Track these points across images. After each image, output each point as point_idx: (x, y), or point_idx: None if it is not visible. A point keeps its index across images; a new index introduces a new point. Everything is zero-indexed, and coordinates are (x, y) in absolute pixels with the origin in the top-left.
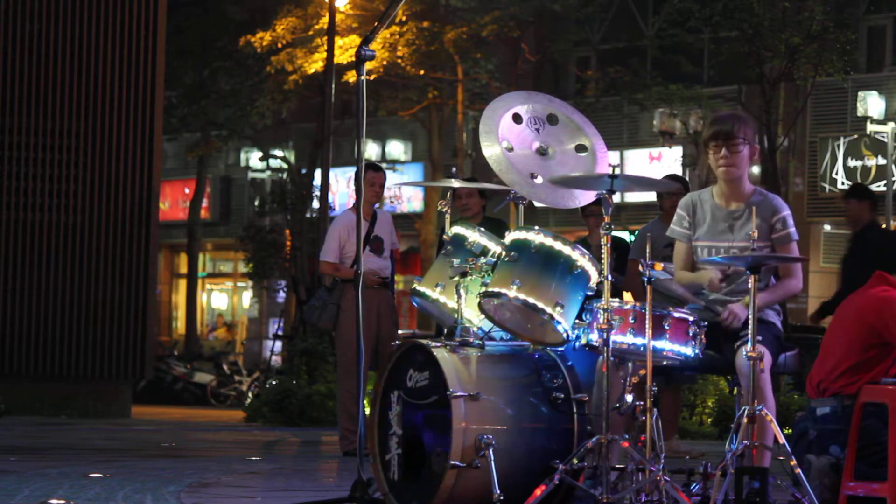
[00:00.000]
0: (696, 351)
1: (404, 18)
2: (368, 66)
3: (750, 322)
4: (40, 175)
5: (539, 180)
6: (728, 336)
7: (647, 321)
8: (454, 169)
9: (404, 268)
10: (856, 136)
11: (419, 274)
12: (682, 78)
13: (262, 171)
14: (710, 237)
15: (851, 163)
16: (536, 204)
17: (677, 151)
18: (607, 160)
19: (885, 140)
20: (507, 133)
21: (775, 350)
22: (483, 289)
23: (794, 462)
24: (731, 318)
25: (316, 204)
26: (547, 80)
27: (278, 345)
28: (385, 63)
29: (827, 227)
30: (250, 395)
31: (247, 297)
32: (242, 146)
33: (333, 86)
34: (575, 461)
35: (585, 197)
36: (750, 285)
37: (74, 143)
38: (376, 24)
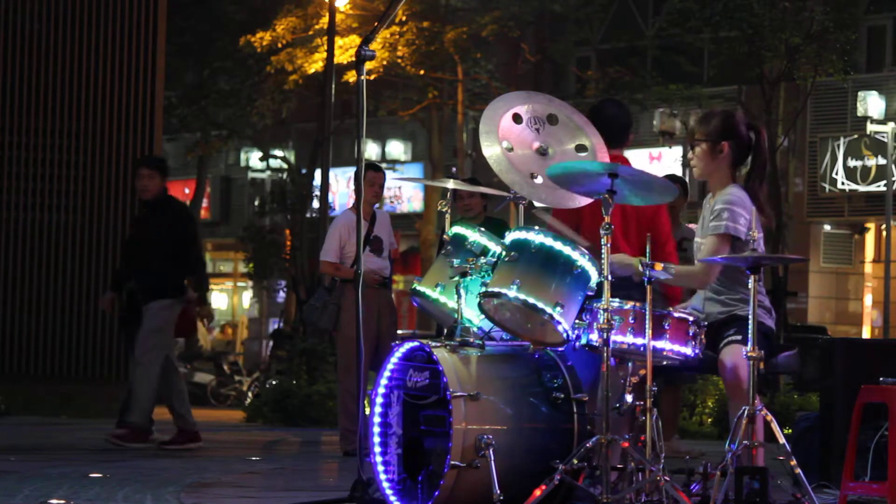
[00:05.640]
0: (696, 351)
1: (404, 18)
2: (368, 66)
3: (750, 322)
4: (40, 175)
5: (539, 180)
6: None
7: (647, 321)
8: (454, 169)
9: (404, 268)
10: (856, 136)
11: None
12: (682, 78)
13: (262, 171)
14: (698, 234)
15: (851, 163)
16: (536, 204)
17: (677, 151)
18: (607, 160)
19: (885, 140)
20: (507, 133)
21: (762, 348)
22: (483, 289)
23: (794, 462)
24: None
25: (316, 204)
26: (547, 80)
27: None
28: (385, 63)
29: (827, 227)
30: (250, 395)
31: (247, 297)
32: (242, 146)
33: (333, 86)
34: (575, 461)
35: (585, 197)
36: (750, 285)
37: (74, 143)
38: (376, 24)
